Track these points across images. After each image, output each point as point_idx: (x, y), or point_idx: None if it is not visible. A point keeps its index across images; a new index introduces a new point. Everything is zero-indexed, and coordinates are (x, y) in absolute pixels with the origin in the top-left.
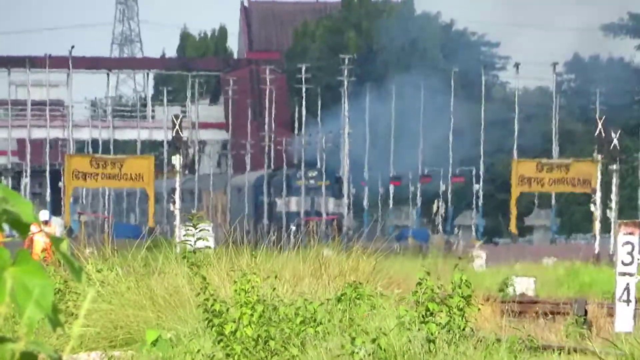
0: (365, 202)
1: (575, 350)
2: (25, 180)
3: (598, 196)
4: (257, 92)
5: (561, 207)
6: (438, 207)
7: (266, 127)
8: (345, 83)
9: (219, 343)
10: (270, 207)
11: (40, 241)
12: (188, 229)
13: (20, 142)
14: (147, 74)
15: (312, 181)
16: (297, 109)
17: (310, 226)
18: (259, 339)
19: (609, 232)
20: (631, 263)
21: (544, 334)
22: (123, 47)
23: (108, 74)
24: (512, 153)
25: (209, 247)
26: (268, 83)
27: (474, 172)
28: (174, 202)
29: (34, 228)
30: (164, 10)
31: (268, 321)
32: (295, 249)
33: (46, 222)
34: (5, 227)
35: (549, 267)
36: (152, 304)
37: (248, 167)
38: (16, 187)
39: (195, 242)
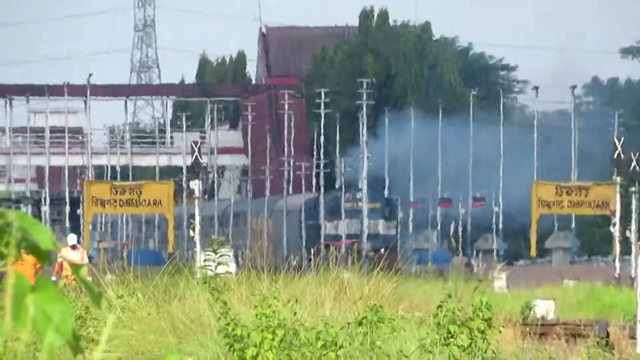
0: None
1: None
2: (45, 208)
3: (618, 218)
4: (276, 117)
5: (581, 229)
6: (456, 230)
7: (285, 151)
8: (364, 107)
9: None
10: (317, 230)
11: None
12: (208, 255)
13: (39, 169)
14: (166, 101)
15: (361, 203)
16: (315, 134)
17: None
18: None
19: (630, 253)
20: None
21: (565, 356)
22: (141, 74)
23: (126, 101)
24: (531, 176)
25: (230, 273)
26: (287, 108)
27: (493, 195)
28: (193, 228)
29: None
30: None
31: (289, 345)
32: (315, 272)
33: (74, 247)
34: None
35: (570, 288)
36: (173, 330)
37: (268, 192)
38: (36, 214)
39: (215, 267)
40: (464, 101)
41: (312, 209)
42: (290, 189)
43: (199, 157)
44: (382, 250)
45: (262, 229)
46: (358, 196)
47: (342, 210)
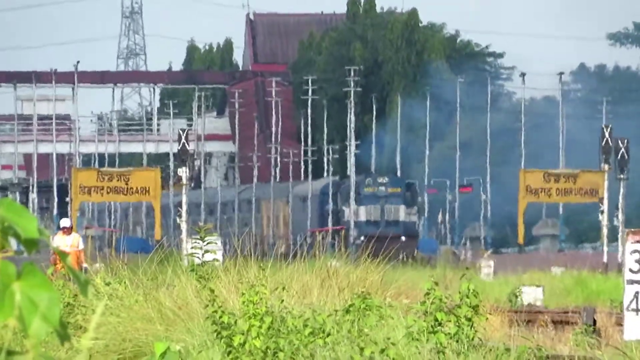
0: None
1: (584, 359)
2: (33, 195)
3: (605, 205)
4: (263, 104)
5: (568, 217)
6: (443, 218)
7: (272, 139)
8: (352, 94)
9: (228, 355)
10: (336, 216)
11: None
12: (196, 242)
13: (27, 157)
14: (153, 88)
15: (382, 188)
16: (302, 121)
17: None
18: (268, 350)
19: (617, 240)
20: (639, 271)
21: (553, 343)
22: (128, 61)
23: (114, 88)
24: (518, 163)
25: (217, 260)
26: (274, 95)
27: (481, 183)
28: (180, 215)
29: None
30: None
31: (277, 333)
32: (302, 260)
33: (67, 231)
34: (14, 242)
35: (557, 276)
36: (161, 317)
37: (255, 179)
38: (24, 201)
39: (203, 254)
40: (452, 88)
41: (327, 195)
42: (278, 176)
43: (186, 144)
44: (403, 237)
45: (278, 215)
46: (380, 180)
47: (362, 197)
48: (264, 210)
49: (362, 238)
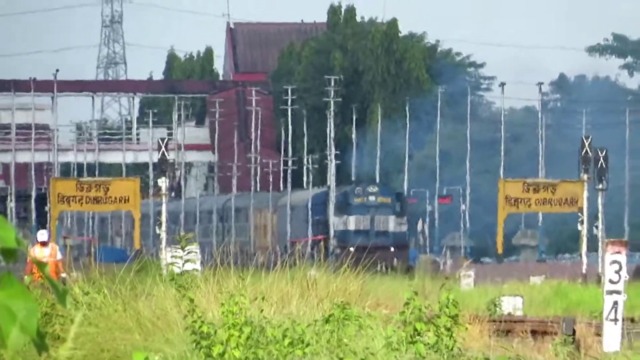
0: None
1: None
2: (11, 204)
3: (585, 215)
4: (244, 113)
5: (548, 227)
6: (422, 227)
7: (252, 148)
8: (331, 104)
9: None
10: (326, 226)
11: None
12: (176, 252)
13: (5, 166)
14: (133, 97)
15: (372, 198)
16: (282, 130)
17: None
18: None
19: (596, 251)
20: (618, 281)
21: (532, 353)
22: (108, 70)
23: (93, 97)
24: (498, 173)
25: (197, 270)
26: (254, 104)
27: (460, 193)
28: (160, 225)
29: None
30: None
31: (256, 343)
32: (282, 270)
33: (44, 243)
34: None
35: (537, 286)
36: (139, 327)
37: (234, 189)
38: (1, 211)
39: (183, 264)
40: (432, 98)
41: (318, 205)
42: (258, 187)
43: (165, 153)
44: (392, 248)
45: (265, 225)
46: (370, 190)
47: (351, 207)
48: (251, 219)
49: (352, 249)
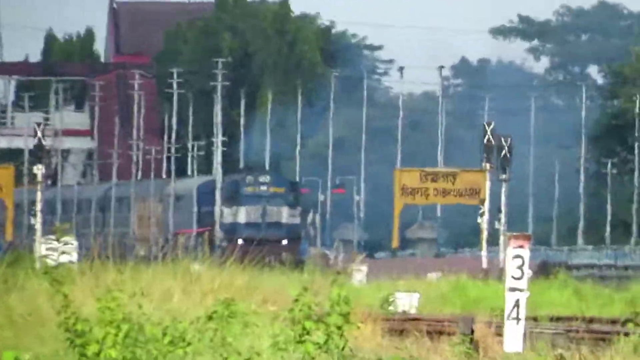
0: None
1: None
2: None
3: (487, 207)
4: (125, 97)
5: (447, 219)
6: (314, 219)
7: (134, 134)
8: (219, 88)
9: None
10: (212, 216)
11: None
12: (51, 243)
13: None
14: (9, 80)
15: (264, 187)
16: (167, 115)
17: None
18: None
19: (498, 245)
20: (521, 278)
21: (428, 354)
22: None
23: None
24: (395, 162)
25: (72, 262)
26: (137, 88)
27: (355, 182)
28: (34, 214)
29: None
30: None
31: (134, 342)
32: (164, 263)
33: None
34: None
35: (434, 282)
36: (10, 323)
37: (114, 178)
38: None
39: (58, 256)
40: (325, 82)
41: (205, 194)
42: (140, 174)
43: (42, 139)
44: (285, 241)
45: (147, 215)
46: (261, 179)
47: (242, 197)
48: (133, 209)
49: (241, 241)
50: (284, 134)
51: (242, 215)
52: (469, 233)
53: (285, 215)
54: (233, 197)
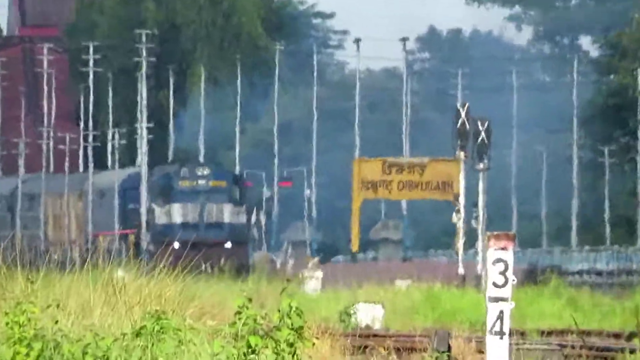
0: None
1: None
2: None
3: (462, 203)
4: (32, 76)
5: (415, 217)
6: (258, 217)
7: (44, 120)
8: (144, 65)
9: None
10: (138, 216)
11: None
12: None
13: None
14: None
15: (202, 182)
16: (82, 98)
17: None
18: None
19: (475, 247)
20: (504, 285)
21: None
22: None
23: None
24: (353, 150)
25: None
26: (46, 65)
27: (305, 174)
28: None
29: None
30: None
31: None
32: (82, 271)
33: None
34: None
35: (402, 290)
36: None
37: (22, 170)
38: None
39: None
40: (268, 57)
41: (132, 189)
42: (52, 166)
43: None
44: (229, 244)
45: (61, 215)
46: (199, 172)
47: (176, 192)
48: (43, 208)
49: (177, 245)
50: (220, 119)
51: (177, 214)
52: (441, 233)
53: (228, 213)
54: (165, 193)
